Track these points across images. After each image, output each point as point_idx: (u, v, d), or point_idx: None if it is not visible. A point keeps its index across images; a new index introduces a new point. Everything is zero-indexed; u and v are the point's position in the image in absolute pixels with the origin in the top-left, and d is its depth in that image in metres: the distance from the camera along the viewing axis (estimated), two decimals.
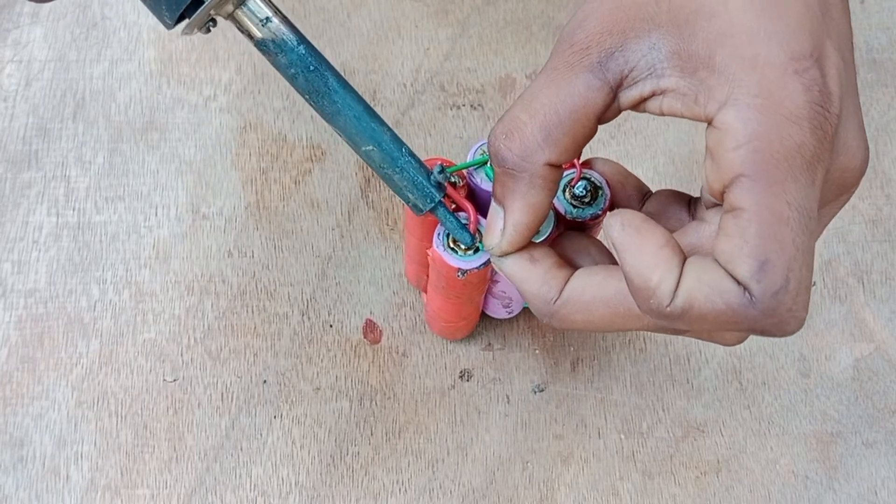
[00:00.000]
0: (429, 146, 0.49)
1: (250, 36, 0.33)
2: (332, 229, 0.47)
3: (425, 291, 0.44)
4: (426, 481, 0.42)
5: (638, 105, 0.30)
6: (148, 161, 0.48)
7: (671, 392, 0.44)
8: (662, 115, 0.29)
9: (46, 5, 0.52)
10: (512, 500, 0.42)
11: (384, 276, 0.46)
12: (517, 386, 0.44)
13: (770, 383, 0.45)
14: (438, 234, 0.35)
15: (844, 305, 0.46)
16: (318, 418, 0.43)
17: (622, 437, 0.43)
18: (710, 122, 0.27)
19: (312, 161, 0.48)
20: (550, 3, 0.53)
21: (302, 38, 0.33)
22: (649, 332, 0.45)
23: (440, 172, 0.34)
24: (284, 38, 0.33)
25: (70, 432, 0.43)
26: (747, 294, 0.27)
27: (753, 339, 0.45)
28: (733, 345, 0.31)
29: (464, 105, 0.50)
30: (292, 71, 0.33)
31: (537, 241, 0.34)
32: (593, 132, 0.30)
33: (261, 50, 0.33)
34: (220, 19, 0.33)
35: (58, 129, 0.48)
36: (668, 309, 0.28)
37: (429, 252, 0.36)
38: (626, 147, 0.49)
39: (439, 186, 0.34)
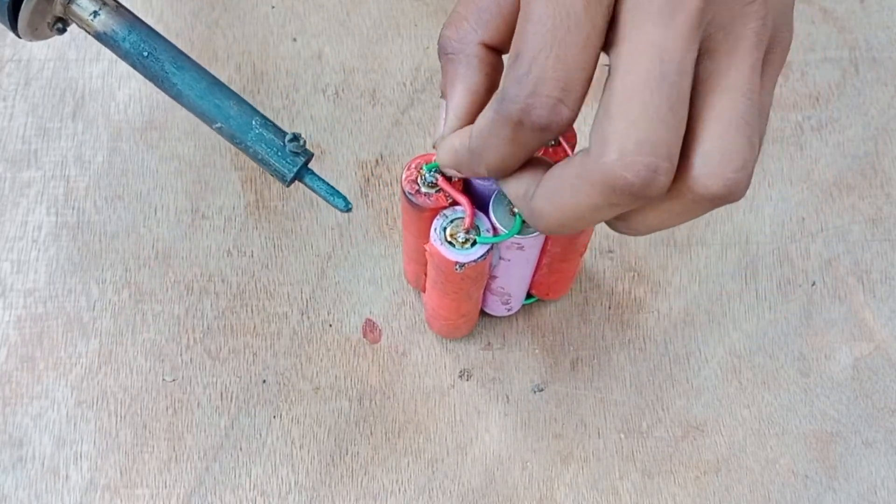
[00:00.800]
0: (428, 145, 0.49)
1: (87, 30, 0.34)
2: (332, 228, 0.47)
3: (424, 291, 0.44)
4: (426, 481, 0.42)
5: None
6: (147, 160, 0.48)
7: (671, 392, 0.44)
8: None
9: None
10: (511, 500, 0.42)
11: (384, 276, 0.46)
12: (517, 385, 0.44)
13: (770, 383, 0.45)
14: (436, 229, 0.35)
15: (844, 305, 0.46)
16: (318, 418, 0.43)
17: (622, 436, 0.43)
18: None
19: (312, 160, 0.48)
20: None
21: (134, 27, 0.34)
22: (650, 330, 0.45)
23: (291, 140, 0.34)
24: (114, 29, 0.34)
25: (69, 432, 0.43)
26: (498, 94, 0.29)
27: (753, 339, 0.45)
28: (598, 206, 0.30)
29: None
30: (129, 60, 0.34)
31: (526, 233, 0.35)
32: (517, 8, 0.31)
33: (101, 42, 0.34)
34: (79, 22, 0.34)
35: (57, 129, 0.48)
36: (470, 144, 0.31)
37: (426, 247, 0.36)
38: None
39: (297, 154, 0.34)
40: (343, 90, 0.50)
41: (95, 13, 0.34)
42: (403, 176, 0.36)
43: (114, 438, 0.43)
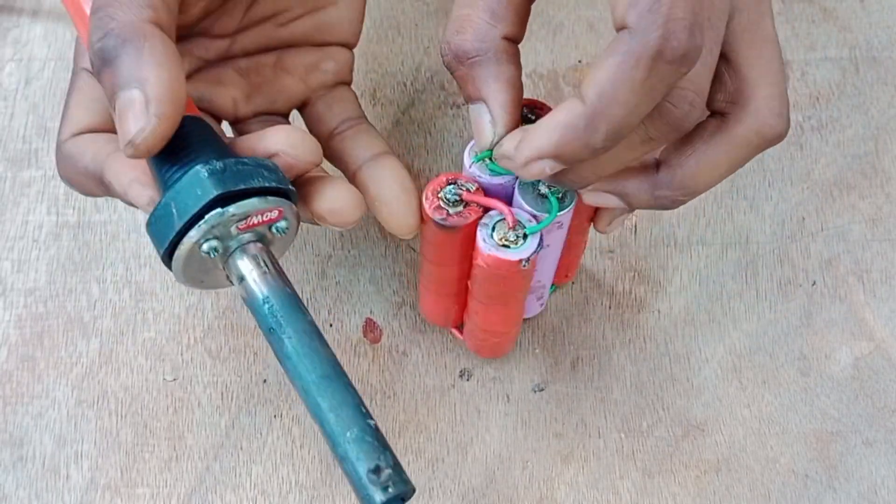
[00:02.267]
0: (429, 145, 0.49)
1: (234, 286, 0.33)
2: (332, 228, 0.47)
3: (454, 326, 0.44)
4: (426, 480, 0.42)
5: None
6: None
7: (671, 391, 0.44)
8: None
9: (47, 3, 0.52)
10: (512, 500, 0.42)
11: (384, 276, 0.46)
12: (517, 385, 0.44)
13: (770, 382, 0.45)
14: (484, 240, 0.35)
15: (844, 304, 0.46)
16: None
17: (622, 436, 0.43)
18: None
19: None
20: (550, 3, 0.53)
21: (268, 299, 0.32)
22: (650, 330, 0.45)
23: (373, 472, 0.29)
24: (253, 296, 0.32)
25: (70, 431, 0.43)
26: (623, 31, 0.28)
27: (753, 338, 0.45)
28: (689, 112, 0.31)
29: (464, 104, 0.50)
30: (261, 328, 0.33)
31: (564, 209, 0.35)
32: (529, 5, 0.32)
33: (244, 303, 0.33)
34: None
35: (57, 129, 0.48)
36: (586, 109, 0.29)
37: (482, 263, 0.35)
38: None
39: (385, 489, 0.29)
40: None
41: (241, 278, 0.33)
42: (429, 209, 0.35)
43: (114, 438, 0.43)
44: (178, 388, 0.44)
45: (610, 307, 0.46)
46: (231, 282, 0.34)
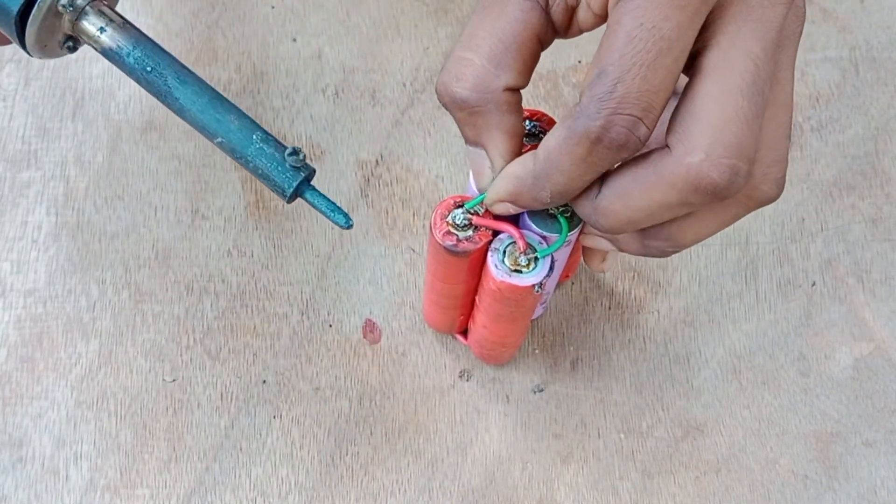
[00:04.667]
0: (428, 145, 0.49)
1: (94, 46, 0.35)
2: (332, 229, 0.47)
3: (459, 333, 0.44)
4: (426, 481, 0.42)
5: (571, 21, 0.31)
6: (147, 160, 0.48)
7: (671, 392, 0.44)
8: (596, 19, 0.31)
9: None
10: (511, 500, 0.42)
11: (384, 276, 0.46)
12: (517, 386, 0.44)
13: (770, 383, 0.45)
14: (496, 266, 0.35)
15: (844, 305, 0.46)
16: (318, 418, 0.43)
17: (622, 436, 0.43)
18: None
19: (312, 160, 0.48)
20: None
21: (139, 43, 0.34)
22: (650, 330, 0.45)
23: (291, 154, 0.34)
24: (120, 44, 0.34)
25: (69, 432, 0.43)
26: (576, 107, 0.28)
27: (753, 339, 0.45)
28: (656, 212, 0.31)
29: None
30: (134, 75, 0.35)
31: (573, 229, 0.35)
32: (538, 53, 0.32)
33: (107, 58, 0.35)
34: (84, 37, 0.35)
35: (57, 129, 0.48)
36: (535, 168, 0.30)
37: (494, 288, 0.35)
38: None
39: (297, 169, 0.34)
40: (343, 90, 0.50)
41: (102, 29, 0.34)
42: (438, 234, 0.35)
43: (114, 439, 0.43)
44: (177, 389, 0.44)
45: (610, 308, 0.46)
46: (79, 43, 0.36)
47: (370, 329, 0.45)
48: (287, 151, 0.34)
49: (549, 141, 0.30)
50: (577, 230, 0.35)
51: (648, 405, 0.44)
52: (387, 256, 0.46)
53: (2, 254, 0.46)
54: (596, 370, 0.45)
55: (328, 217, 0.34)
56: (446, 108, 0.32)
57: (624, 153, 0.29)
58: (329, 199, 0.34)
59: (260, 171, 0.34)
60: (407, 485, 0.42)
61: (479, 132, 0.32)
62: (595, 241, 0.36)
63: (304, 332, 0.45)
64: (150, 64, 0.34)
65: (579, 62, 0.51)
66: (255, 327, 0.45)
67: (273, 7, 0.51)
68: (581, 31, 0.32)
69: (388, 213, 0.47)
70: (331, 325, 0.45)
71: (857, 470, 0.43)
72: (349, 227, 0.34)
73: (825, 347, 0.45)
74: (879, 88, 0.51)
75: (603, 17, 0.30)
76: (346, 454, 0.43)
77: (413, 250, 0.46)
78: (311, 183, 0.34)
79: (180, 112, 0.35)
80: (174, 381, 0.44)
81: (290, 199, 0.34)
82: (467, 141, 0.32)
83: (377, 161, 0.48)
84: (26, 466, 0.42)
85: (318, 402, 0.44)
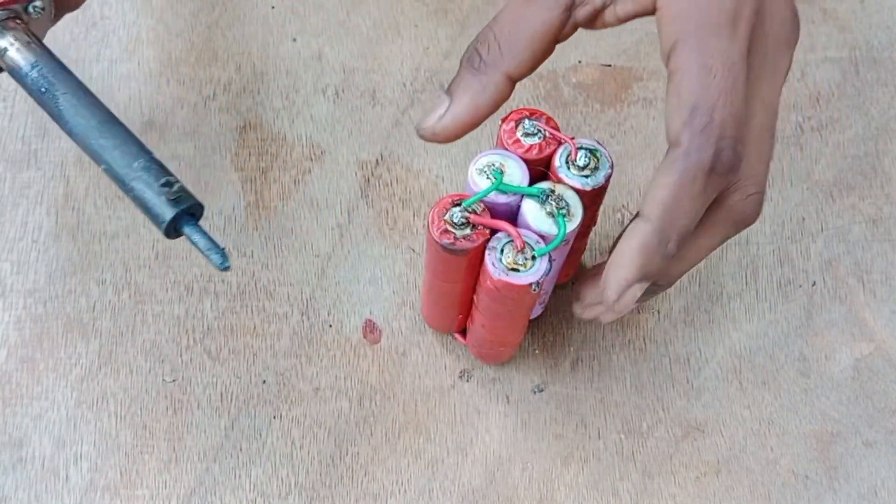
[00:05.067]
0: (428, 145, 0.49)
1: (1, 65, 0.36)
2: (332, 229, 0.47)
3: (457, 331, 0.44)
4: (426, 481, 0.42)
5: (595, 20, 0.34)
6: None
7: (671, 392, 0.44)
8: (620, 22, 0.33)
9: None
10: (512, 500, 0.42)
11: (384, 276, 0.46)
12: (517, 386, 0.44)
13: (770, 383, 0.45)
14: (493, 265, 0.35)
15: (844, 305, 0.46)
16: (318, 418, 0.43)
17: (622, 437, 0.43)
18: (655, 9, 0.32)
19: (312, 160, 0.48)
20: None
21: (37, 64, 0.35)
22: (650, 330, 0.45)
23: (164, 186, 0.32)
24: (20, 64, 0.35)
25: (69, 433, 0.43)
26: (678, 149, 0.30)
27: (753, 339, 0.45)
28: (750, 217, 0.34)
29: None
30: (32, 95, 0.35)
31: (571, 228, 0.35)
32: (550, 50, 0.34)
33: (11, 76, 0.36)
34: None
35: (57, 129, 0.48)
36: (655, 226, 0.32)
37: (492, 286, 0.35)
38: (626, 146, 0.49)
39: (176, 202, 0.32)
40: (343, 90, 0.50)
41: (5, 50, 0.36)
42: (435, 233, 0.35)
43: (114, 439, 0.43)
44: (177, 390, 0.44)
45: None
46: None
47: (370, 329, 0.45)
48: (160, 182, 0.32)
49: (661, 191, 0.31)
50: (575, 229, 0.35)
51: (648, 405, 0.44)
52: (387, 256, 0.46)
53: (2, 254, 0.46)
54: (596, 370, 0.45)
55: (205, 255, 0.33)
56: (466, 58, 0.34)
57: (731, 176, 0.31)
58: (208, 237, 0.33)
59: (139, 202, 0.33)
60: (407, 485, 0.42)
61: (459, 86, 0.34)
62: (594, 312, 0.38)
63: (304, 333, 0.45)
64: (44, 85, 0.35)
65: (579, 62, 0.51)
66: (255, 327, 0.45)
67: (273, 7, 0.51)
68: (603, 27, 0.34)
69: (388, 213, 0.47)
70: (331, 326, 0.45)
71: (858, 470, 0.43)
72: (225, 269, 0.33)
73: (825, 348, 0.45)
74: (880, 88, 0.51)
75: (625, 21, 0.33)
76: (346, 454, 0.43)
77: (413, 250, 0.46)
78: (197, 220, 0.33)
79: (70, 134, 0.35)
80: (174, 381, 0.44)
81: (169, 234, 0.33)
82: (449, 88, 0.34)
83: (377, 161, 0.48)
84: (26, 467, 0.42)
85: (318, 402, 0.44)
